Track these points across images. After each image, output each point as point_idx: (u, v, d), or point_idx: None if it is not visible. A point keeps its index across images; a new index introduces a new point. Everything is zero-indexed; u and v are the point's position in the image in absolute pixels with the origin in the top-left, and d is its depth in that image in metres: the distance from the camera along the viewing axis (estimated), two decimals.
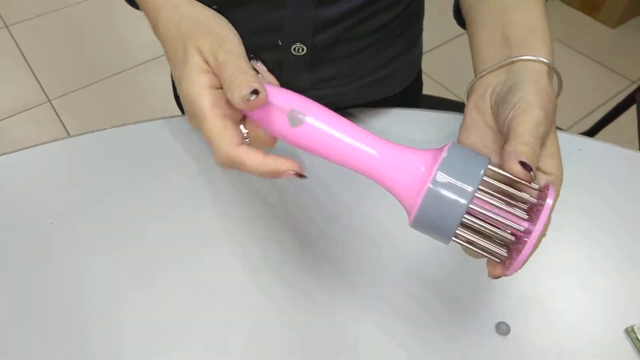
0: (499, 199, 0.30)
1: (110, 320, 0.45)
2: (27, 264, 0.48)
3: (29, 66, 1.76)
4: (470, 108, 0.37)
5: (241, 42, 0.36)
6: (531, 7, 0.38)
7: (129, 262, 0.48)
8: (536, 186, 0.31)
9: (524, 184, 0.30)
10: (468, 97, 0.38)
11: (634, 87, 0.99)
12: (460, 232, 0.30)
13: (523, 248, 0.28)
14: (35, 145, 0.57)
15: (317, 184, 0.53)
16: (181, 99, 0.35)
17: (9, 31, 1.88)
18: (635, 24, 1.93)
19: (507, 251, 0.30)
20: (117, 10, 1.89)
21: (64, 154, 0.57)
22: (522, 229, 0.29)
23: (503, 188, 0.30)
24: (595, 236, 0.51)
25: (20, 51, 1.81)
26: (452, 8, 0.47)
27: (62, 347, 0.43)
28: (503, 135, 0.34)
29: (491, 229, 0.30)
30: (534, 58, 0.35)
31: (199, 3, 0.38)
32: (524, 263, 0.29)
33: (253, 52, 0.52)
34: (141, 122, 0.59)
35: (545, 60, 0.35)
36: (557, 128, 0.69)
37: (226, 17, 0.49)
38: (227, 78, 0.32)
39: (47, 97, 1.66)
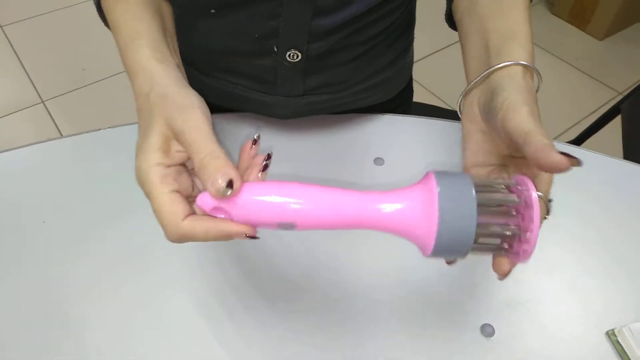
0: (492, 203, 0.32)
1: (104, 319, 0.45)
2: (20, 263, 0.48)
3: (23, 67, 1.75)
4: (464, 120, 0.39)
5: (209, 114, 0.35)
6: (513, 12, 0.39)
7: (123, 261, 0.49)
8: (505, 182, 0.33)
9: (497, 183, 0.32)
10: (461, 112, 0.40)
11: (620, 98, 1.02)
12: (474, 245, 0.31)
13: (527, 235, 0.30)
14: (30, 145, 0.58)
15: None
16: (135, 166, 0.34)
17: (4, 31, 1.88)
18: (622, 37, 1.97)
19: (510, 245, 0.32)
20: None
21: (58, 154, 0.58)
22: (517, 222, 0.31)
23: (489, 192, 0.32)
24: (581, 239, 0.52)
25: (15, 52, 1.81)
26: (444, 16, 0.48)
27: (55, 344, 0.44)
28: (503, 138, 0.35)
29: (497, 230, 0.31)
30: (509, 63, 0.36)
31: (173, 73, 0.37)
32: (535, 243, 0.30)
33: (250, 57, 0.53)
34: (133, 123, 0.59)
35: (521, 62, 0.36)
36: None
37: (223, 22, 0.50)
38: (199, 162, 0.32)
39: (41, 97, 1.66)
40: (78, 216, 0.52)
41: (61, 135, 1.54)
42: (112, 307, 0.46)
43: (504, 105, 0.33)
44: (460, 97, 0.40)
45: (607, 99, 1.72)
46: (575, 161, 0.30)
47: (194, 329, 0.45)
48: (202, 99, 0.36)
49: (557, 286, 0.49)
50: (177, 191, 0.32)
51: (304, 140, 0.60)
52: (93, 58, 1.77)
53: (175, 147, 0.34)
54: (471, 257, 0.35)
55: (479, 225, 0.30)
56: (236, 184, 0.31)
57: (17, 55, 1.79)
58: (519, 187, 0.32)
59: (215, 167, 0.31)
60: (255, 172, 0.34)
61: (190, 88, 0.36)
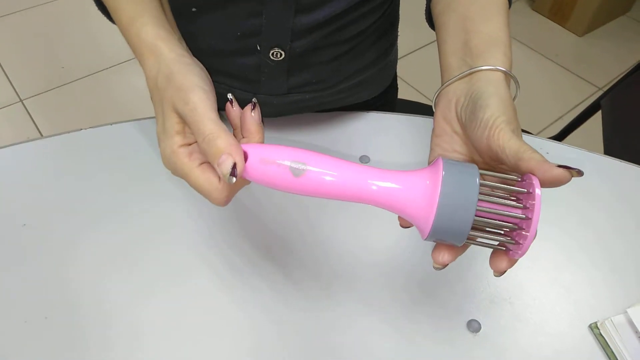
0: (495, 195, 0.32)
1: (84, 323, 0.45)
2: (0, 266, 0.47)
3: (0, 65, 1.71)
4: (438, 117, 0.39)
5: (210, 90, 0.36)
6: (495, 18, 0.40)
7: (103, 263, 0.48)
8: (517, 177, 0.33)
9: (506, 177, 0.33)
10: (435, 106, 0.40)
11: (601, 93, 1.03)
12: (471, 233, 0.32)
13: (525, 232, 0.31)
14: (9, 145, 0.57)
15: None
16: (161, 153, 0.37)
17: None
18: (601, 33, 2.01)
19: (509, 239, 0.32)
20: (92, 11, 1.86)
21: (37, 155, 0.57)
22: (522, 216, 0.31)
23: (495, 185, 0.32)
24: (563, 233, 0.53)
25: None
26: (424, 15, 0.48)
27: (35, 349, 0.43)
28: (483, 149, 0.35)
29: (496, 222, 0.32)
30: (492, 67, 0.37)
31: (177, 49, 0.39)
32: (531, 241, 0.31)
33: (233, 56, 0.52)
34: (114, 123, 0.59)
35: (502, 69, 0.37)
36: (527, 132, 0.72)
37: (205, 21, 0.50)
38: (201, 143, 0.34)
39: (19, 96, 1.62)
40: (59, 218, 0.51)
41: (41, 135, 1.51)
42: (96, 311, 0.45)
43: (489, 123, 0.34)
44: (437, 93, 0.40)
45: (587, 94, 1.75)
46: (575, 172, 0.30)
47: (196, 325, 0.45)
48: (205, 74, 0.37)
49: (540, 281, 0.50)
50: (205, 162, 0.35)
51: (289, 138, 0.60)
52: (72, 56, 1.74)
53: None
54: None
55: (479, 214, 0.31)
56: (239, 166, 0.32)
57: None
58: (524, 182, 0.32)
59: (217, 150, 0.33)
60: (256, 140, 0.36)
61: (193, 62, 0.38)
